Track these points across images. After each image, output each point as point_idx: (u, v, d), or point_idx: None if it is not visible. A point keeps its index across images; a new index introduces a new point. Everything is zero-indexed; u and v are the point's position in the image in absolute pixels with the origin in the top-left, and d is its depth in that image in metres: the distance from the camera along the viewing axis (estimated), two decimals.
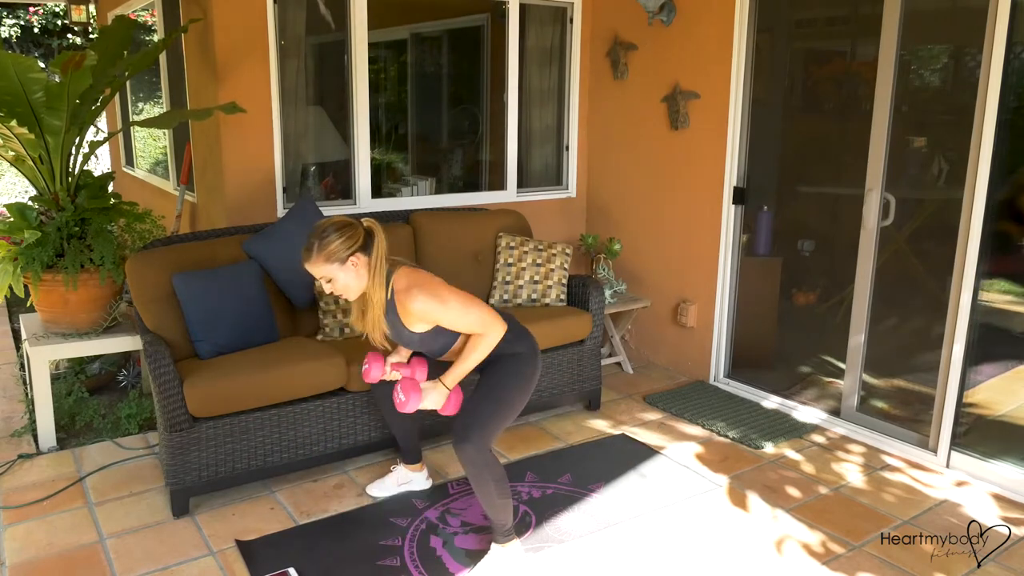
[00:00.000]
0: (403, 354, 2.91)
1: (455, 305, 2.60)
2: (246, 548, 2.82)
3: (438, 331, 2.68)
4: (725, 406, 4.14)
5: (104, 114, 6.34)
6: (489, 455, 2.60)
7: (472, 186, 5.48)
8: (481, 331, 2.62)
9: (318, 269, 2.56)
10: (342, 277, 2.56)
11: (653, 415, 4.06)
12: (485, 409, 2.64)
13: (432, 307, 2.57)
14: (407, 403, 2.61)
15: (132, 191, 6.26)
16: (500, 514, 2.67)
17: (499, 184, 5.00)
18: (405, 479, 3.22)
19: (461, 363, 2.65)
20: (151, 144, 6.48)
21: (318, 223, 2.59)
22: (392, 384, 2.96)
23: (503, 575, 2.68)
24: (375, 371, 2.81)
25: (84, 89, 3.36)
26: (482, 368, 2.77)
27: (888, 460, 3.57)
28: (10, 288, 3.49)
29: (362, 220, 2.64)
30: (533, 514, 3.07)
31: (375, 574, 2.66)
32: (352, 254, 2.54)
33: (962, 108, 3.31)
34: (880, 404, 3.89)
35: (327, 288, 2.62)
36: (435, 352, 2.79)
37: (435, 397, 2.67)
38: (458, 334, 2.72)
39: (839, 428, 3.87)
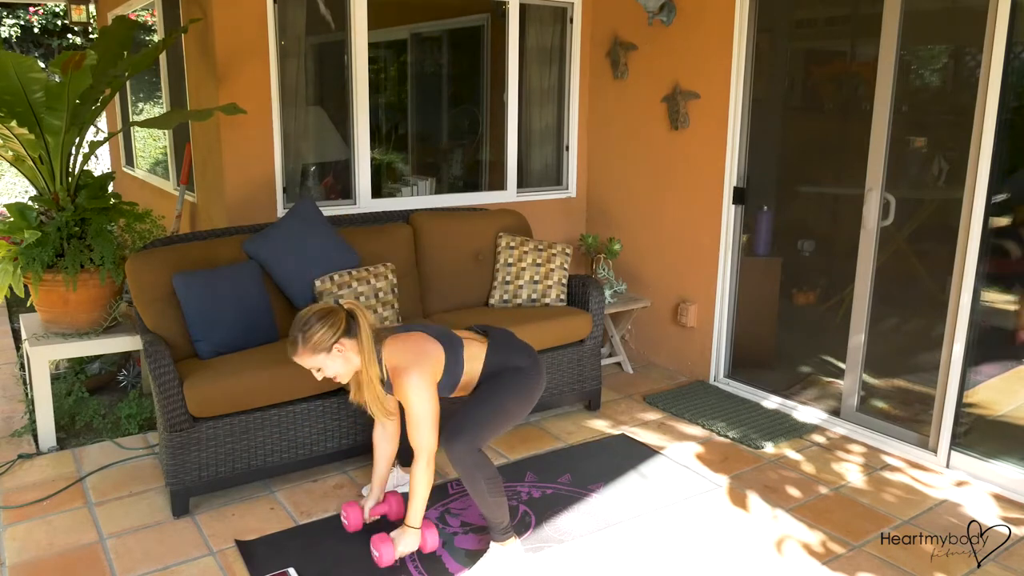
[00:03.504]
0: (376, 494, 2.94)
1: (422, 412, 2.57)
2: (246, 548, 2.82)
3: (441, 383, 2.70)
4: (725, 406, 4.14)
5: (104, 114, 6.34)
6: (479, 456, 2.61)
7: (472, 186, 5.48)
8: (419, 436, 2.59)
9: (305, 360, 2.56)
10: (331, 365, 2.57)
11: (653, 415, 4.06)
12: (480, 412, 2.66)
13: (409, 396, 2.56)
14: (382, 556, 2.64)
15: (132, 191, 6.26)
16: (495, 513, 2.67)
17: (499, 184, 5.00)
18: (403, 480, 3.23)
19: (412, 500, 2.66)
20: (151, 144, 6.48)
21: (299, 314, 2.57)
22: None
23: (503, 574, 2.69)
24: (354, 520, 2.88)
25: (84, 89, 3.36)
26: (484, 378, 2.78)
27: (888, 460, 3.57)
28: (10, 288, 3.49)
29: (343, 303, 2.64)
30: (533, 514, 3.07)
31: (375, 574, 2.66)
32: (336, 341, 2.53)
33: (962, 108, 3.31)
34: (880, 404, 3.89)
35: (318, 376, 2.63)
36: (445, 394, 2.79)
37: (409, 541, 2.68)
38: (460, 372, 2.72)
39: (839, 428, 3.87)
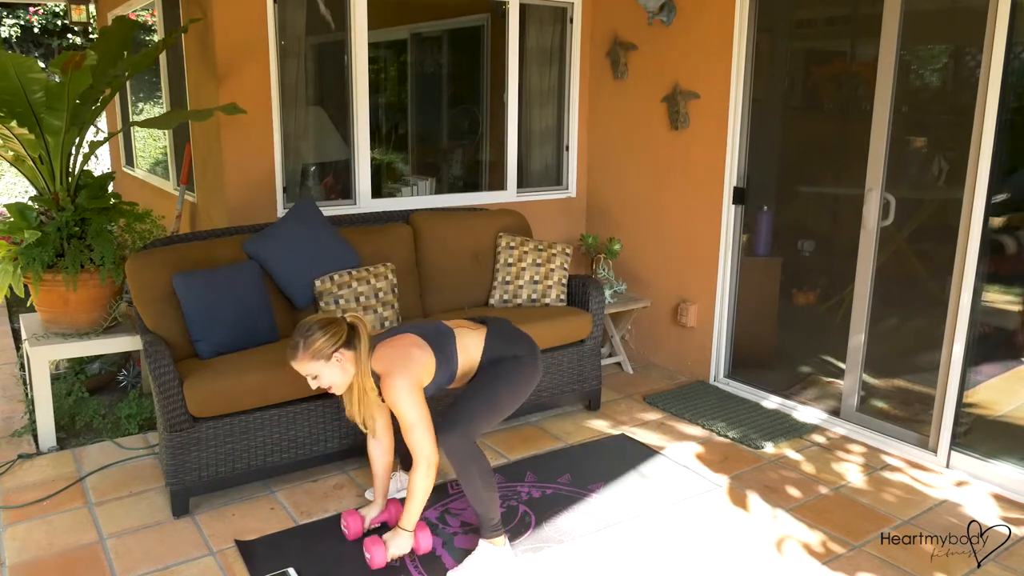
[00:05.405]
0: (380, 504, 2.94)
1: (410, 416, 2.57)
2: (246, 548, 2.82)
3: (436, 379, 2.72)
4: (725, 406, 4.14)
5: (104, 114, 6.34)
6: (473, 447, 2.63)
7: (472, 186, 5.48)
8: (414, 440, 2.58)
9: (303, 367, 2.59)
10: (327, 373, 2.60)
11: (653, 415, 4.06)
12: (473, 404, 2.69)
13: (395, 401, 2.58)
14: (374, 558, 2.64)
15: (132, 191, 6.26)
16: (487, 507, 2.67)
17: (499, 184, 5.00)
18: (404, 484, 3.23)
19: (409, 504, 2.65)
20: (151, 144, 6.48)
21: (302, 321, 2.63)
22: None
23: (492, 572, 2.68)
24: (354, 528, 2.87)
25: (84, 89, 3.36)
26: (482, 366, 2.79)
27: (888, 460, 3.57)
28: (10, 288, 3.49)
29: (346, 316, 2.67)
30: (533, 514, 3.07)
31: (374, 574, 2.66)
32: (336, 350, 2.57)
33: (962, 108, 3.31)
34: (880, 404, 3.89)
35: (313, 384, 2.65)
36: (444, 387, 2.81)
37: (401, 543, 2.67)
38: (455, 366, 2.73)
39: (839, 428, 3.87)
